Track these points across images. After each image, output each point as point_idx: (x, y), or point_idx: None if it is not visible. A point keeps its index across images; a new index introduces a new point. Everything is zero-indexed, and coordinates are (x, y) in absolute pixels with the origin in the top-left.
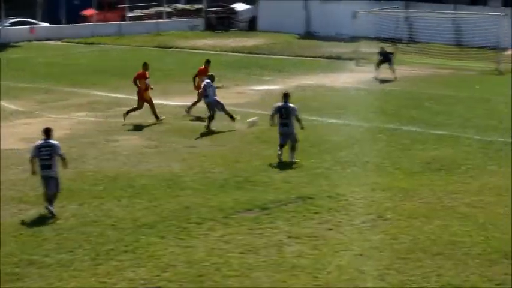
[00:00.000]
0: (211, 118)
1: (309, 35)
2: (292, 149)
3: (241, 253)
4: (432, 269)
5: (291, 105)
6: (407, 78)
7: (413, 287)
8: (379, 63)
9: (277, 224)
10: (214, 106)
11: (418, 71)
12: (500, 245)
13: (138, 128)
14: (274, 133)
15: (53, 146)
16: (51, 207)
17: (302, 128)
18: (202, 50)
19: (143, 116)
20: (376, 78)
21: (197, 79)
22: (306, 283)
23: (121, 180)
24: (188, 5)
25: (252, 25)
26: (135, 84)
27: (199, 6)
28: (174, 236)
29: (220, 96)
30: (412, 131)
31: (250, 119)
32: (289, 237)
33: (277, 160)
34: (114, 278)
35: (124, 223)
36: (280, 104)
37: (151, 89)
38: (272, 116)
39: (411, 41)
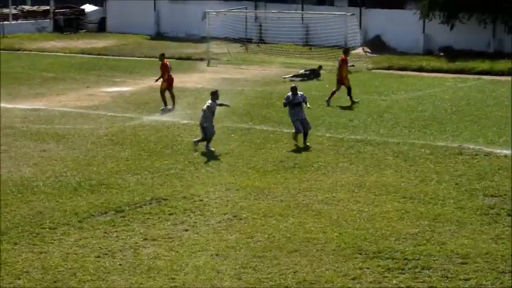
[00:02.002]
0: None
1: (159, 35)
2: (208, 141)
3: (97, 257)
4: (288, 266)
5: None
6: (257, 78)
7: (270, 284)
8: (308, 78)
9: (133, 227)
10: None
11: (268, 70)
12: (354, 241)
13: None
14: (128, 135)
15: None
16: None
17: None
18: (51, 52)
19: None
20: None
21: None
22: (162, 285)
23: None
24: (35, 7)
25: (101, 26)
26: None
27: (47, 7)
28: (28, 242)
29: (72, 98)
30: (265, 130)
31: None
32: (145, 239)
33: (129, 162)
34: None
35: None
36: (209, 102)
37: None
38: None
39: (261, 41)
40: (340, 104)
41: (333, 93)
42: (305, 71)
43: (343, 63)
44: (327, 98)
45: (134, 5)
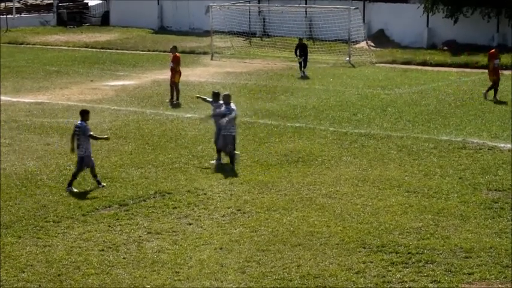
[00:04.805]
0: None
1: (162, 29)
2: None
3: (101, 250)
4: (292, 259)
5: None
6: (261, 72)
7: (274, 278)
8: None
9: (137, 220)
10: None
11: (271, 64)
12: (358, 235)
13: None
14: (132, 128)
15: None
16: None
17: None
18: (55, 45)
19: None
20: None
21: None
22: (166, 278)
23: None
24: (38, 0)
25: (104, 20)
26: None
27: (50, 1)
28: (32, 235)
29: (75, 92)
30: (268, 124)
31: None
32: (149, 232)
33: (133, 156)
34: None
35: None
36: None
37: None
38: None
39: (265, 35)
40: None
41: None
42: (295, 51)
43: (491, 57)
44: (484, 91)
45: None
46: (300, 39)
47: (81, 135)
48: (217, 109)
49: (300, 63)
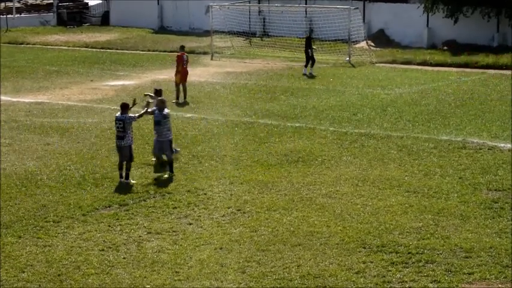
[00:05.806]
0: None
1: (162, 29)
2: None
3: (101, 250)
4: (292, 259)
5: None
6: (261, 72)
7: (274, 278)
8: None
9: (137, 220)
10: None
11: (271, 64)
12: (358, 235)
13: None
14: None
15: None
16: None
17: None
18: (55, 45)
19: None
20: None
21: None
22: (166, 278)
23: None
24: (38, 0)
25: (104, 20)
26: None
27: (50, 1)
28: (32, 235)
29: (76, 92)
30: (268, 124)
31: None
32: (149, 232)
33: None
34: None
35: None
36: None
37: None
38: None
39: (265, 35)
40: None
41: None
42: (306, 46)
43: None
44: None
45: None
46: (310, 31)
47: (126, 126)
48: (156, 111)
49: (307, 59)
